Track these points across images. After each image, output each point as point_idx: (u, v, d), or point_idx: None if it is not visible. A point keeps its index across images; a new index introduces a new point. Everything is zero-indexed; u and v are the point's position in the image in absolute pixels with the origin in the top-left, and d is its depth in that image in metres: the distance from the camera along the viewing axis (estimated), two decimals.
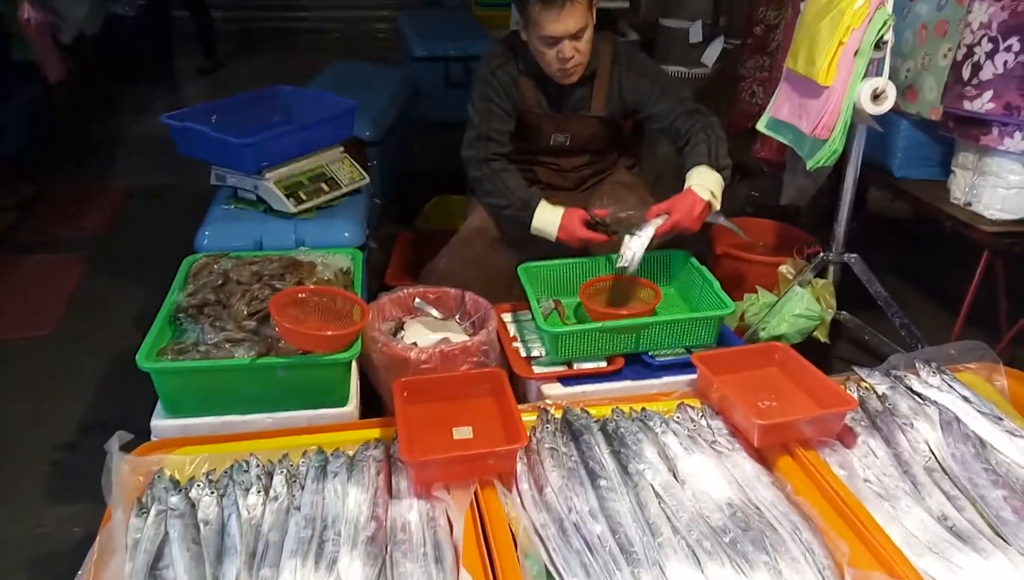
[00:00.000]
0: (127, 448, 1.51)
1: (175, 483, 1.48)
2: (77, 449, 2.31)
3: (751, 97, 3.58)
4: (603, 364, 1.92)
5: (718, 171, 2.12)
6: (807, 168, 2.36)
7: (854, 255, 2.55)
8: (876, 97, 2.19)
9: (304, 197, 2.29)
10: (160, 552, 1.34)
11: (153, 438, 1.67)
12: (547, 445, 1.56)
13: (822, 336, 2.56)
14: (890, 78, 2.19)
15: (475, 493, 1.44)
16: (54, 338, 2.89)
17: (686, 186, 2.10)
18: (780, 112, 2.49)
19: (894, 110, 2.31)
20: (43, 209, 3.89)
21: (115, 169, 4.40)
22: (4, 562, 1.96)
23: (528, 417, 1.65)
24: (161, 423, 1.70)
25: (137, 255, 3.36)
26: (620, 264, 2.05)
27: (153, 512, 1.40)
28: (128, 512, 1.40)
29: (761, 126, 2.60)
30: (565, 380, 1.90)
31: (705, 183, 2.09)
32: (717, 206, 2.12)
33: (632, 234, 2.05)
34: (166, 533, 1.36)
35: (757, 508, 1.44)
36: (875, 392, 1.77)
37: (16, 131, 4.03)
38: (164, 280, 1.95)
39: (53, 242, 3.57)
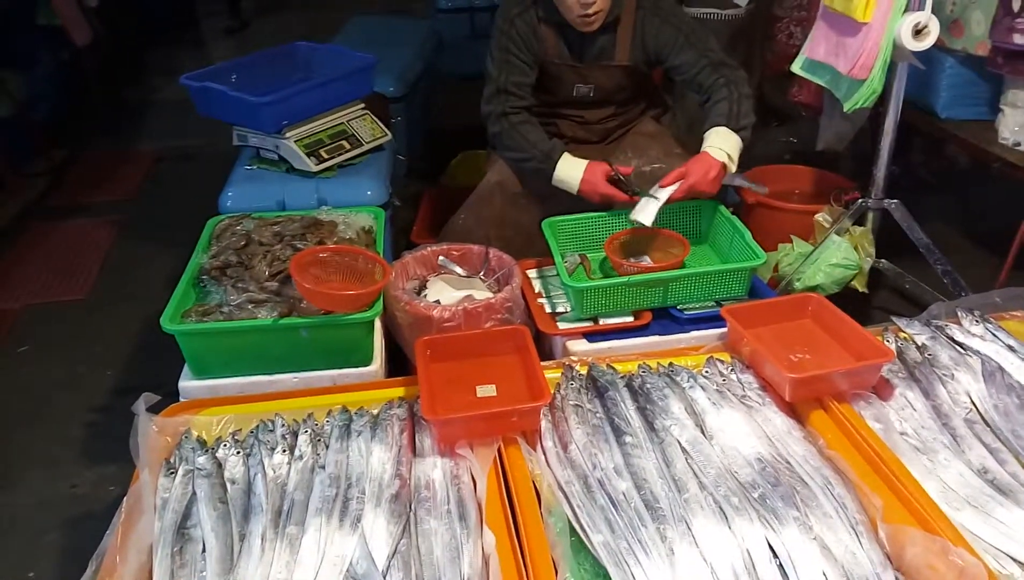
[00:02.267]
0: (155, 409, 1.52)
1: (202, 443, 1.49)
2: (111, 411, 2.36)
3: (788, 38, 3.45)
4: (630, 319, 1.88)
5: (737, 132, 2.05)
6: (844, 110, 2.27)
7: (894, 201, 2.45)
8: (918, 33, 2.08)
9: (325, 155, 2.26)
10: (188, 511, 1.35)
11: (181, 399, 1.68)
12: (572, 402, 1.54)
13: (860, 286, 2.49)
14: (934, 12, 2.08)
15: (499, 451, 1.43)
16: (88, 302, 2.94)
17: (702, 148, 2.03)
18: (816, 52, 2.38)
19: (938, 46, 2.20)
20: (74, 174, 3.94)
21: (144, 132, 4.43)
22: (41, 521, 2.02)
23: (553, 374, 1.63)
24: (188, 384, 1.72)
25: (167, 218, 3.39)
26: (632, 217, 2.01)
27: (181, 472, 1.42)
28: (156, 472, 1.42)
29: (796, 67, 2.49)
30: (591, 336, 1.86)
31: (722, 145, 2.02)
32: (733, 169, 2.05)
33: (646, 197, 2.00)
34: (193, 493, 1.38)
35: (788, 463, 1.41)
36: (914, 343, 1.71)
37: (45, 97, 4.05)
38: (194, 242, 1.96)
39: (85, 207, 3.62)
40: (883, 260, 2.57)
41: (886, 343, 1.68)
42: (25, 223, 3.46)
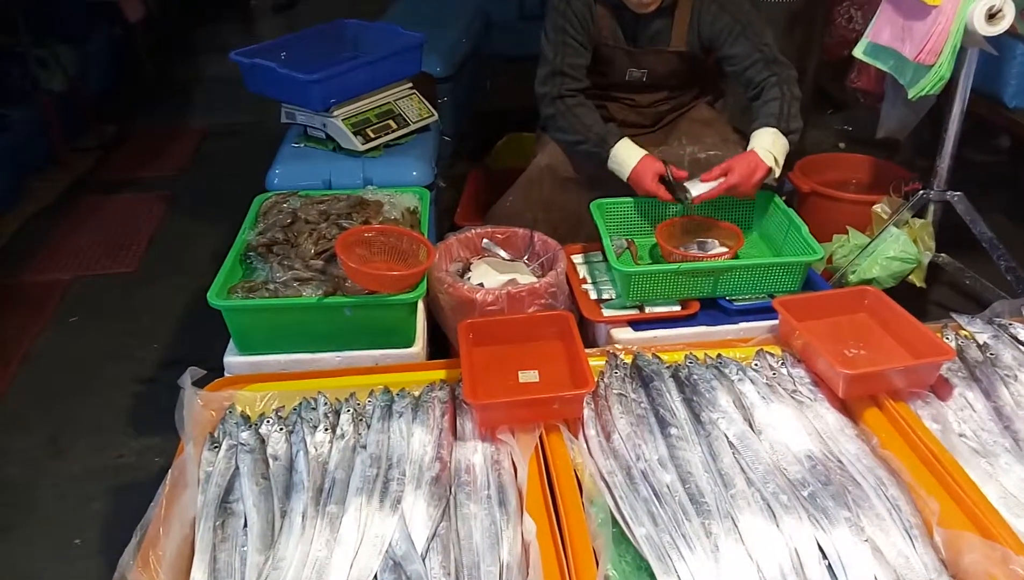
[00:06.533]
0: (201, 384, 1.53)
1: (246, 419, 1.50)
2: (157, 383, 2.39)
3: (848, 22, 3.35)
4: (677, 308, 1.84)
5: (786, 135, 1.99)
6: (908, 97, 2.18)
7: (957, 193, 2.36)
8: (992, 16, 1.99)
9: (372, 135, 2.25)
10: (231, 485, 1.36)
11: (226, 374, 1.69)
12: (615, 391, 1.51)
13: (918, 280, 2.41)
14: None
15: (540, 437, 1.41)
16: (136, 275, 2.99)
17: (750, 147, 1.97)
18: (880, 36, 2.29)
19: (1010, 33, 2.10)
20: (124, 149, 3.99)
21: (193, 108, 4.48)
22: (88, 489, 2.06)
23: (596, 362, 1.60)
24: (233, 360, 1.73)
25: (215, 193, 3.42)
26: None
27: (224, 447, 1.43)
28: (200, 446, 1.43)
29: (859, 52, 2.40)
30: (636, 324, 1.83)
31: (771, 148, 1.96)
32: (777, 173, 1.99)
33: (686, 187, 1.95)
34: (236, 467, 1.39)
35: (839, 461, 1.36)
36: (975, 341, 1.65)
37: (97, 72, 4.12)
38: (241, 218, 1.97)
39: (135, 181, 3.67)
40: (943, 254, 2.48)
41: (946, 341, 1.62)
42: (76, 196, 3.53)
